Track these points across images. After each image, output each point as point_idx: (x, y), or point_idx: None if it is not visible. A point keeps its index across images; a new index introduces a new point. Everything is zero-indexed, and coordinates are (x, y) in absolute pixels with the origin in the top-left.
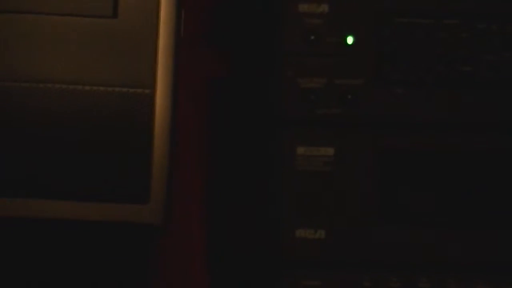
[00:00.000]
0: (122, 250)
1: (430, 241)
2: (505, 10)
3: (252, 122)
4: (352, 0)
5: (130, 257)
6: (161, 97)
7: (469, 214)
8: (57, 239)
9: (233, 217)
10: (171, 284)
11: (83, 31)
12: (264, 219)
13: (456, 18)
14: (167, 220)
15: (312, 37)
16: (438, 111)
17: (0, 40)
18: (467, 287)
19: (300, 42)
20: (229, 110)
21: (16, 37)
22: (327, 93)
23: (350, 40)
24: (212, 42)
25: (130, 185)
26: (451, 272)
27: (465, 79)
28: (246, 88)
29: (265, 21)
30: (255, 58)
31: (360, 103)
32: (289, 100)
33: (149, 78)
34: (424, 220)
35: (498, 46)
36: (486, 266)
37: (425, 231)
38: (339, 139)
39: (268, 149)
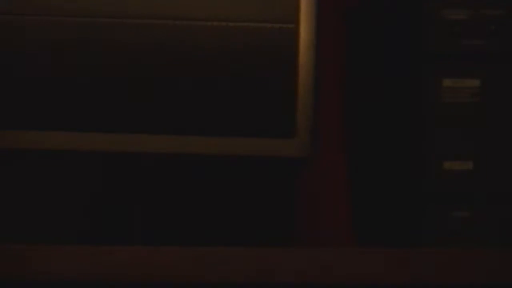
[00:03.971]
0: (267, 185)
1: None
2: None
3: (394, 55)
4: None
5: (275, 192)
6: (304, 31)
7: None
8: (204, 175)
9: (376, 151)
10: (315, 217)
11: None
12: (410, 152)
13: None
14: (312, 153)
15: None
16: None
17: None
18: None
19: None
20: (368, 43)
21: None
22: (473, 24)
23: None
24: None
25: (275, 120)
26: None
27: None
28: (386, 21)
29: None
30: None
31: (506, 34)
32: (434, 32)
33: (291, 13)
34: None
35: None
36: None
37: None
38: (484, 70)
39: (413, 82)
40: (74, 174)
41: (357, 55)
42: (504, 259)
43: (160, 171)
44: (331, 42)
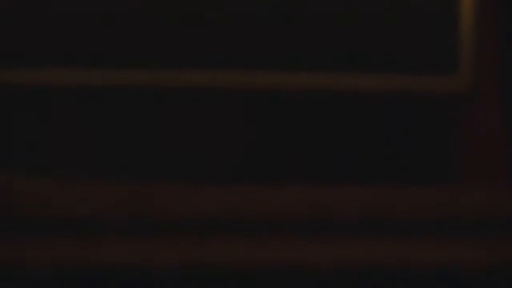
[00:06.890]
0: (425, 122)
1: None
2: None
3: None
4: None
5: (433, 129)
6: None
7: None
8: (360, 113)
9: None
10: (471, 155)
11: None
12: None
13: None
14: (475, 89)
15: None
16: None
17: None
18: None
19: None
20: None
21: None
22: None
23: None
24: None
25: (438, 56)
26: None
27: None
28: None
29: None
30: None
31: None
32: None
33: None
34: None
35: None
36: None
37: None
38: None
39: None
40: (220, 112)
41: None
42: None
43: (313, 109)
44: None
